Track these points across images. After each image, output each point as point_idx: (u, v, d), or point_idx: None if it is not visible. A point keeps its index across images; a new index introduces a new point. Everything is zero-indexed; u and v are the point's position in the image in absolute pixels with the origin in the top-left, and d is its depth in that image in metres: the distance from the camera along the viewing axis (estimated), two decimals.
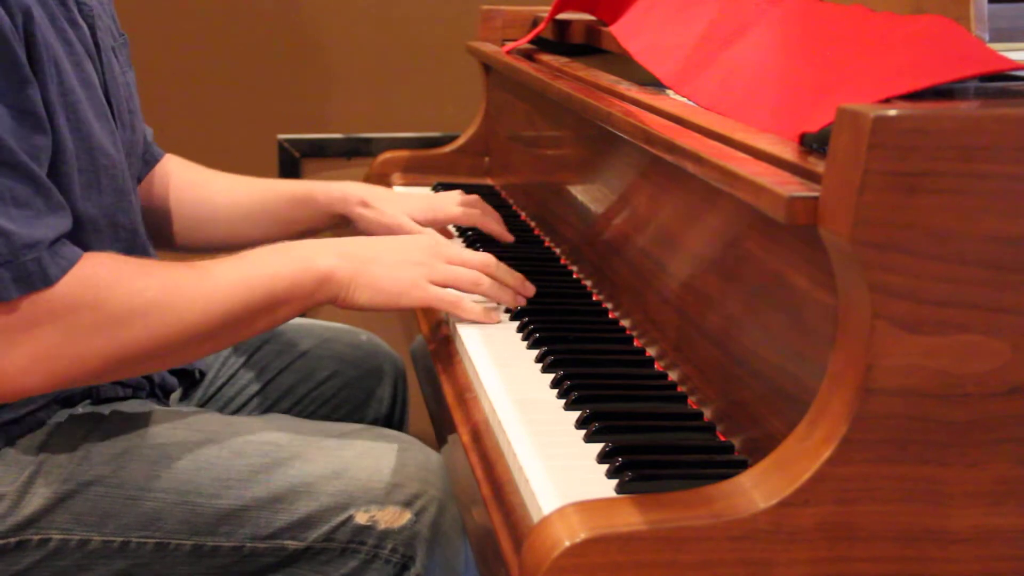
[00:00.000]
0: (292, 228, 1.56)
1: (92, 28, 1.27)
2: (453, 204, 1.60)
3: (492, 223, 1.59)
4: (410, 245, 1.29)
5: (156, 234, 1.50)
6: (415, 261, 1.26)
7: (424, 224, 1.57)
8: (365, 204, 1.55)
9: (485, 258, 1.30)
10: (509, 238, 1.59)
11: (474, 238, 1.62)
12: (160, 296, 1.14)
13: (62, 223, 1.13)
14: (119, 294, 1.13)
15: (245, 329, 1.20)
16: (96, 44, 1.28)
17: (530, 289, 1.32)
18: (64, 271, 1.10)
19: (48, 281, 1.09)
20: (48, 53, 1.15)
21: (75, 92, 1.19)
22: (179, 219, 1.56)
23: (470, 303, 1.27)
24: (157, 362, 1.21)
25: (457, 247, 1.32)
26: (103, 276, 1.13)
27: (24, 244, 1.08)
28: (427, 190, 1.92)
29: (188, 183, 1.57)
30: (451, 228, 1.67)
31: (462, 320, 1.28)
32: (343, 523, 1.21)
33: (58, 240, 1.12)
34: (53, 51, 1.16)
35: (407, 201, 1.59)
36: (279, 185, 1.62)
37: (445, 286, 1.26)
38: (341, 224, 1.58)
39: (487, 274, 1.28)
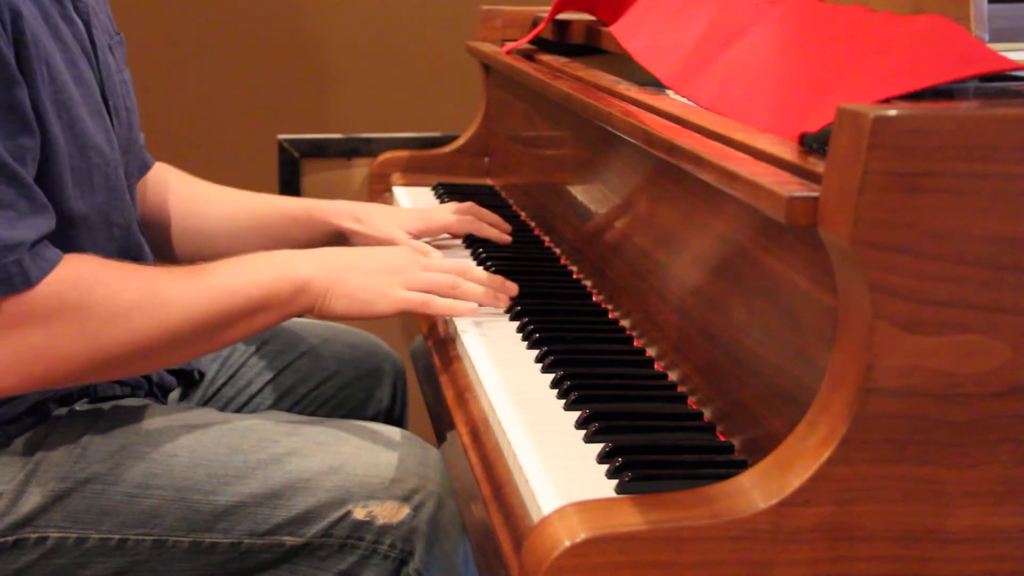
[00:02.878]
0: (287, 245, 1.56)
1: (88, 25, 1.27)
2: (446, 213, 1.60)
3: (486, 228, 1.59)
4: (387, 254, 1.31)
5: (147, 245, 1.50)
6: (391, 269, 1.27)
7: (417, 235, 1.57)
8: (358, 220, 1.56)
9: (461, 264, 1.32)
10: (506, 239, 1.59)
11: (473, 239, 1.62)
12: (141, 299, 1.15)
13: (44, 224, 1.13)
14: (101, 296, 1.13)
15: (223, 335, 1.21)
16: (92, 41, 1.28)
17: (511, 288, 1.32)
18: (45, 273, 1.11)
19: (29, 283, 1.09)
20: (39, 52, 1.15)
21: (68, 90, 1.19)
22: (172, 231, 1.56)
23: (438, 300, 1.27)
24: (136, 365, 1.21)
25: (435, 256, 1.34)
26: (85, 278, 1.14)
27: (5, 246, 1.08)
28: (427, 190, 1.92)
29: (183, 195, 1.57)
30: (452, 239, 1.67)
31: (436, 316, 1.29)
32: (341, 518, 1.21)
33: (40, 241, 1.12)
34: (45, 49, 1.16)
35: (400, 215, 1.60)
36: (275, 201, 1.62)
37: (423, 292, 1.26)
38: (336, 242, 1.59)
39: (460, 275, 1.29)
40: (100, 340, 1.13)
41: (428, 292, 1.26)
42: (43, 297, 1.10)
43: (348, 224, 1.56)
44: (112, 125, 1.29)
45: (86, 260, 1.16)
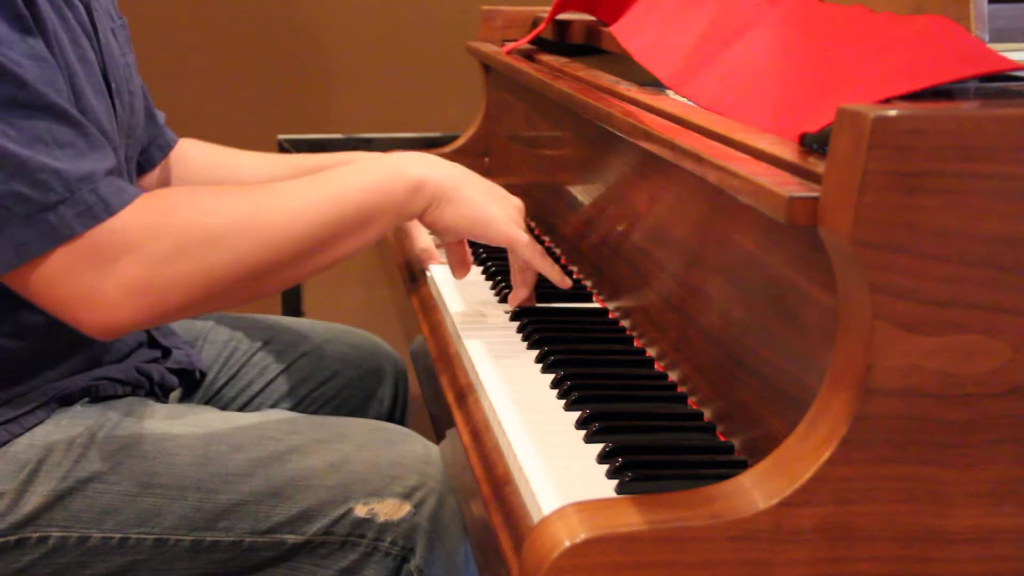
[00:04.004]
0: None
1: (88, 9, 1.28)
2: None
3: None
4: (504, 192, 1.30)
5: None
6: (511, 205, 1.26)
7: None
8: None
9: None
10: None
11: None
12: (242, 217, 1.12)
13: (107, 158, 1.12)
14: (195, 216, 1.11)
15: (337, 247, 1.16)
16: (93, 24, 1.28)
17: (567, 282, 1.34)
18: (126, 202, 1.09)
19: (111, 210, 1.08)
20: (50, 25, 1.15)
21: (72, 67, 1.19)
22: None
23: (551, 263, 1.28)
24: (252, 286, 1.15)
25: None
26: (173, 202, 1.12)
27: (77, 179, 1.07)
28: None
29: (210, 164, 1.55)
30: None
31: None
32: (342, 516, 1.21)
33: (111, 173, 1.10)
34: (53, 26, 1.16)
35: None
36: (304, 160, 1.58)
37: None
38: None
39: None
40: (205, 262, 1.10)
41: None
42: (133, 225, 1.08)
43: None
44: (114, 106, 1.29)
45: (174, 189, 1.14)
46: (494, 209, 1.24)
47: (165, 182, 1.52)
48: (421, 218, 1.22)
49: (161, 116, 1.53)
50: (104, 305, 1.08)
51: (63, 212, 1.06)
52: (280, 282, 1.20)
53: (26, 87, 1.08)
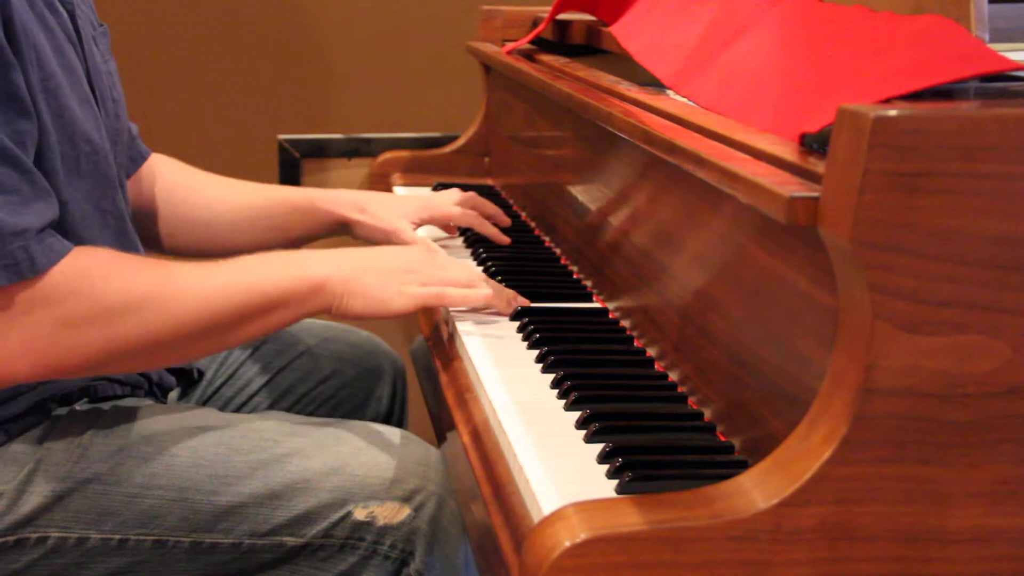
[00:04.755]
0: (290, 235, 1.57)
1: (72, 15, 1.27)
2: (450, 203, 1.60)
3: (487, 225, 1.59)
4: (403, 253, 1.30)
5: (145, 235, 1.49)
6: (406, 268, 1.26)
7: (422, 223, 1.57)
8: (362, 210, 1.55)
9: (475, 272, 1.32)
10: (504, 240, 1.59)
11: (473, 239, 1.62)
12: (155, 291, 1.14)
13: (49, 210, 1.13)
14: (114, 286, 1.13)
15: (237, 332, 1.20)
16: (77, 31, 1.28)
17: (522, 302, 1.33)
18: (53, 261, 1.10)
19: (36, 269, 1.09)
20: (27, 38, 1.15)
21: (56, 77, 1.19)
22: (171, 221, 1.55)
23: (452, 289, 1.26)
24: (147, 359, 1.20)
25: (449, 258, 1.33)
26: (97, 267, 1.13)
27: (11, 232, 1.08)
28: (427, 190, 1.92)
29: (182, 186, 1.56)
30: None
31: (452, 306, 1.29)
32: (342, 519, 1.21)
33: (46, 229, 1.11)
34: (32, 36, 1.16)
35: (403, 203, 1.60)
36: (278, 191, 1.62)
37: None
38: (340, 231, 1.58)
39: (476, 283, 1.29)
40: (113, 330, 1.13)
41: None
42: (53, 284, 1.10)
43: (351, 214, 1.55)
44: (100, 114, 1.29)
45: (99, 251, 1.16)
46: (394, 286, 1.24)
47: (138, 194, 1.52)
48: (330, 313, 1.24)
49: (134, 128, 1.53)
50: (7, 354, 1.10)
51: None
52: (179, 357, 1.26)
53: None
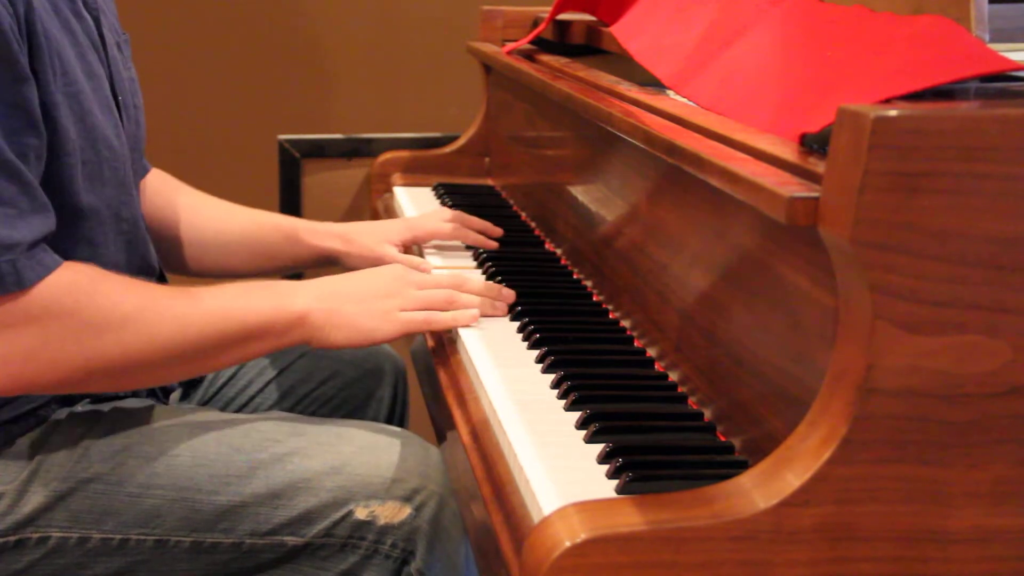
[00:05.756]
0: (276, 262, 1.58)
1: (97, 21, 1.28)
2: (433, 220, 1.61)
3: (472, 235, 1.59)
4: (379, 278, 1.30)
5: None
6: (385, 294, 1.27)
7: (406, 245, 1.57)
8: (346, 241, 1.56)
9: (454, 277, 1.32)
10: (491, 245, 1.58)
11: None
12: (137, 311, 1.15)
13: (44, 224, 1.13)
14: (96, 305, 1.14)
15: (214, 359, 1.21)
16: (101, 37, 1.28)
17: (509, 296, 1.32)
18: (40, 277, 1.11)
19: (21, 285, 1.10)
20: (50, 44, 1.15)
21: (79, 83, 1.19)
22: (164, 239, 1.55)
23: (439, 315, 1.27)
24: (125, 378, 1.20)
25: (424, 275, 1.33)
26: (82, 285, 1.14)
27: (1, 245, 1.08)
28: (428, 191, 1.92)
29: (178, 205, 1.57)
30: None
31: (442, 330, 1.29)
32: (343, 518, 1.21)
33: (38, 244, 1.12)
34: (56, 42, 1.16)
35: (385, 229, 1.60)
36: (267, 218, 1.62)
37: (422, 310, 1.26)
38: (327, 263, 1.59)
39: (455, 288, 1.29)
40: (91, 349, 1.13)
41: (427, 310, 1.26)
42: (37, 300, 1.11)
43: (335, 246, 1.56)
44: (121, 121, 1.30)
45: (86, 269, 1.16)
46: (377, 314, 1.25)
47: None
48: (312, 345, 1.24)
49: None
50: None
51: None
52: (154, 379, 1.26)
53: None
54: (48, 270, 1.12)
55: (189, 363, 1.21)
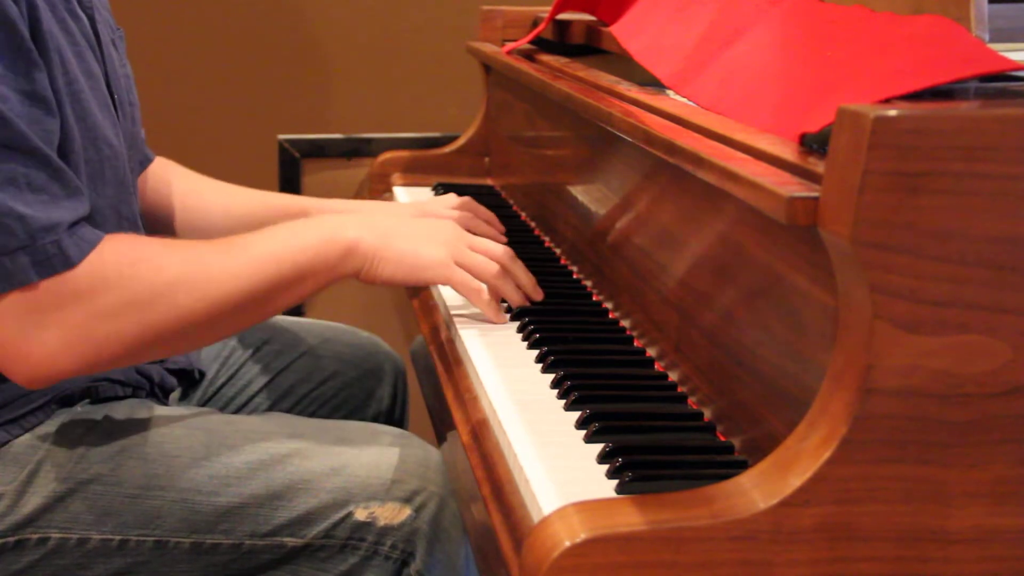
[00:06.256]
0: None
1: (92, 20, 1.28)
2: (443, 208, 1.60)
3: (483, 226, 1.59)
4: (436, 226, 1.30)
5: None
6: (441, 241, 1.27)
7: None
8: None
9: (506, 251, 1.31)
10: (500, 240, 1.58)
11: None
12: (183, 273, 1.14)
13: (80, 206, 1.13)
14: (142, 273, 1.13)
15: (272, 303, 1.20)
16: (96, 36, 1.28)
17: (539, 294, 1.33)
18: (85, 253, 1.10)
19: (69, 264, 1.09)
20: (52, 42, 1.15)
21: (78, 82, 1.19)
22: (172, 225, 1.56)
23: (488, 296, 1.27)
24: (187, 340, 1.20)
25: (480, 238, 1.33)
26: (126, 255, 1.13)
27: (41, 227, 1.08)
28: (427, 190, 1.92)
29: (183, 190, 1.57)
30: None
31: (456, 311, 1.29)
32: (342, 519, 1.21)
33: (78, 223, 1.11)
34: (56, 40, 1.16)
35: (396, 209, 1.60)
36: (274, 199, 1.62)
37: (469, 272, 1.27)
38: None
39: (505, 267, 1.29)
40: (147, 317, 1.13)
41: (473, 273, 1.27)
42: (85, 276, 1.10)
43: None
44: (118, 119, 1.30)
45: (127, 239, 1.16)
46: (428, 252, 1.25)
47: (142, 198, 1.52)
48: (358, 277, 1.24)
49: (142, 132, 1.53)
50: (40, 352, 1.10)
51: (21, 259, 1.08)
52: (214, 336, 1.25)
53: (9, 126, 1.08)
54: (92, 245, 1.11)
55: (247, 313, 1.20)
